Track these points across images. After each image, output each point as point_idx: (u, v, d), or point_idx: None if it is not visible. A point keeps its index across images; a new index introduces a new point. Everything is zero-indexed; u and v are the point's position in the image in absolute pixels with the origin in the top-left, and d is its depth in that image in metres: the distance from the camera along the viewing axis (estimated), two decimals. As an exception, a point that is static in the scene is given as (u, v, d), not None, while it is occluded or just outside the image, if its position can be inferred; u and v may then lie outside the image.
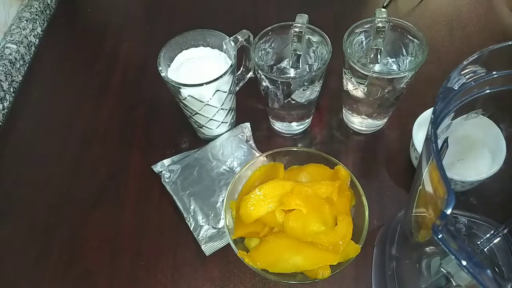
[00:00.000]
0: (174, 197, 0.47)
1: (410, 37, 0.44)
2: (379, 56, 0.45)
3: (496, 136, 0.43)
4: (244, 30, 0.47)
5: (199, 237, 0.44)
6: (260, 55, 0.46)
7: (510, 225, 0.39)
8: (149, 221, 0.47)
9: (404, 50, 0.45)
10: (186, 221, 0.46)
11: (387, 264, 0.40)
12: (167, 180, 0.49)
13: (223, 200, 0.45)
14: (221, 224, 0.45)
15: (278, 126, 0.53)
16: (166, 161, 0.51)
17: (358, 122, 0.52)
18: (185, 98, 0.45)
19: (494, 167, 0.41)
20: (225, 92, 0.45)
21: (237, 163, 0.49)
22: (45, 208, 0.49)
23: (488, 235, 0.40)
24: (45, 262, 0.45)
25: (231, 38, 0.46)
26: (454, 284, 0.34)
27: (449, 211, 0.21)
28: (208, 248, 0.44)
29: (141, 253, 0.45)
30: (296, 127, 0.52)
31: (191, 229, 0.45)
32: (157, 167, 0.50)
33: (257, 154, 0.49)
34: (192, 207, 0.46)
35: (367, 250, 0.43)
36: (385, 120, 0.52)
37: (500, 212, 0.42)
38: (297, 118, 0.51)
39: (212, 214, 0.45)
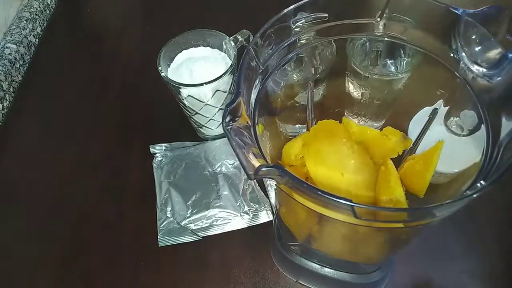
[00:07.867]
0: (156, 181, 0.49)
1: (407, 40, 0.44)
2: (379, 58, 0.46)
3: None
4: (244, 30, 0.47)
5: (160, 226, 0.45)
6: None
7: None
8: (150, 221, 0.47)
9: (402, 52, 0.46)
10: (156, 207, 0.47)
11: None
12: (155, 164, 0.50)
13: (194, 200, 0.46)
14: (184, 222, 0.45)
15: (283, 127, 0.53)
16: (164, 145, 0.52)
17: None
18: (185, 98, 0.45)
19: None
20: (225, 92, 0.46)
21: (224, 170, 0.49)
22: (45, 208, 0.49)
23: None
24: (45, 262, 0.45)
25: (231, 38, 0.47)
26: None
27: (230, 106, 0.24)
28: (163, 240, 0.45)
29: (141, 253, 0.45)
30: (299, 129, 0.52)
31: (157, 216, 0.46)
32: (154, 149, 0.51)
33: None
34: (166, 195, 0.47)
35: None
36: (383, 122, 0.52)
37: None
38: (301, 121, 0.51)
39: (180, 210, 0.46)
